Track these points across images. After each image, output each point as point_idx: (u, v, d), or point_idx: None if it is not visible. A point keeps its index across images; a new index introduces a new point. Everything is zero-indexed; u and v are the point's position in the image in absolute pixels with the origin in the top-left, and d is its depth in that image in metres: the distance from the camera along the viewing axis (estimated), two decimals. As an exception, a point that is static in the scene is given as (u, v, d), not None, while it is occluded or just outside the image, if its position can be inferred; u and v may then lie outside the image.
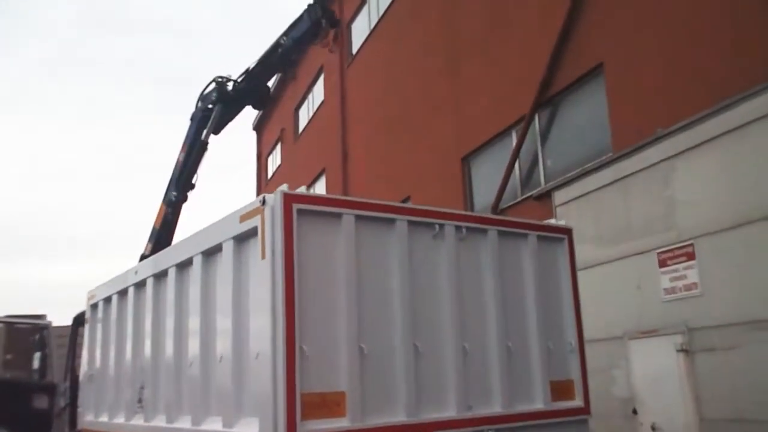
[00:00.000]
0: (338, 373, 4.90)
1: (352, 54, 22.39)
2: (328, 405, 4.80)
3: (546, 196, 11.40)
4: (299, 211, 4.91)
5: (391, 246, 5.42)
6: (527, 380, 6.09)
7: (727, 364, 7.54)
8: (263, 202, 4.93)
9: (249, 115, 28.27)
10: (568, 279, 6.65)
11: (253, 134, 36.14)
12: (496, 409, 5.74)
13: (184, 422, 6.02)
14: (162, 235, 12.47)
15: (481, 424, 5.56)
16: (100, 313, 8.70)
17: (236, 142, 43.55)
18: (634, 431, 8.71)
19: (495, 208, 12.98)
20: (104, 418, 8.04)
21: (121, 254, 65.45)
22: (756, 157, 7.42)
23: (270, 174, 33.22)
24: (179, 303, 6.41)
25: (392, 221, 5.46)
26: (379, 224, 5.39)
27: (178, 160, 13.06)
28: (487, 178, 14.23)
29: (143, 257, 11.38)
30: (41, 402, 11.32)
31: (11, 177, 70.31)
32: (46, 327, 12.47)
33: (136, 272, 7.60)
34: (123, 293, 7.88)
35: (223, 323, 5.55)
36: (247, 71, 13.15)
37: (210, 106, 12.98)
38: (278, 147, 31.99)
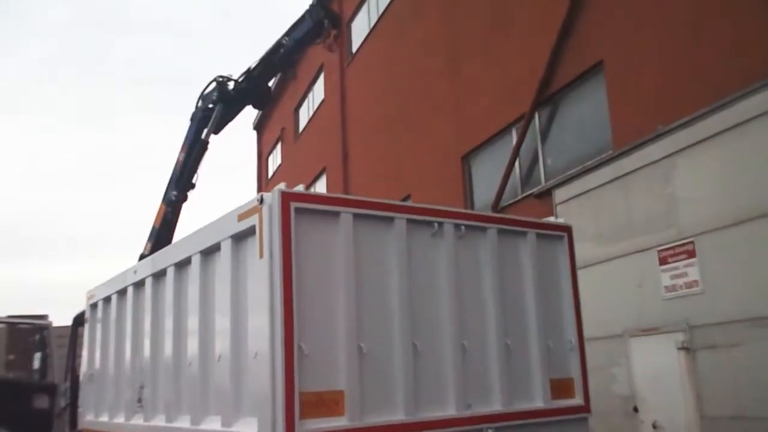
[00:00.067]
0: (337, 372, 4.88)
1: (352, 53, 22.38)
2: (326, 404, 4.78)
3: (546, 194, 11.38)
4: (297, 209, 4.89)
5: (389, 244, 5.40)
6: (527, 378, 6.07)
7: (729, 361, 7.52)
8: (261, 201, 4.91)
9: (249, 114, 28.34)
10: (567, 277, 6.63)
11: (254, 134, 36.17)
12: (496, 407, 5.72)
13: (184, 422, 6.01)
14: (162, 235, 12.45)
15: (481, 423, 5.53)
16: (99, 313, 8.69)
17: (237, 142, 43.70)
18: (634, 429, 8.70)
19: (495, 207, 12.96)
20: (104, 418, 8.03)
21: (121, 254, 65.66)
22: (756, 154, 7.40)
23: (270, 173, 33.22)
24: (178, 302, 6.40)
25: (391, 219, 5.43)
26: (377, 222, 5.37)
27: (178, 159, 13.04)
28: (487, 177, 14.21)
29: (142, 257, 11.37)
30: (42, 402, 11.32)
31: (11, 177, 70.46)
32: (47, 327, 12.47)
33: (135, 272, 7.59)
34: (122, 293, 7.87)
35: (222, 323, 5.54)
36: (248, 71, 13.13)
37: (211, 105, 12.96)
38: (279, 146, 31.99)
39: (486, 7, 14.41)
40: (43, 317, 14.60)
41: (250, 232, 5.09)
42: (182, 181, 12.78)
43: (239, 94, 13.12)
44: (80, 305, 9.79)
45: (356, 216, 5.21)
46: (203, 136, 12.89)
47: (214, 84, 13.04)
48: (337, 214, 5.13)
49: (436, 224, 5.70)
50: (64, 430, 10.76)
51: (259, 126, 34.91)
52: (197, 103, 13.23)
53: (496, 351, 5.84)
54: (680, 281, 8.19)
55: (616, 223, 9.35)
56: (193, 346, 6.00)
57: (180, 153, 13.07)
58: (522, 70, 12.76)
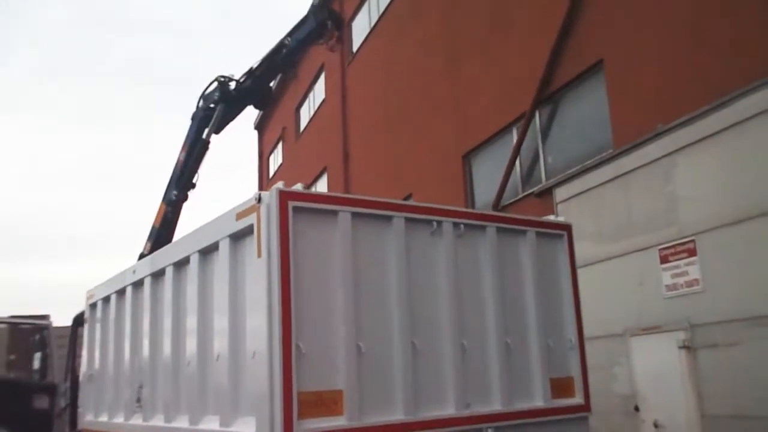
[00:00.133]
0: (335, 371, 4.87)
1: (352, 52, 22.38)
2: (325, 403, 4.77)
3: (547, 193, 11.37)
4: (295, 208, 4.87)
5: (388, 243, 5.38)
6: (527, 377, 6.05)
7: (729, 360, 7.50)
8: (259, 200, 4.89)
9: (250, 114, 28.33)
10: (567, 275, 6.61)
11: (255, 133, 36.16)
12: (496, 406, 5.70)
13: (182, 421, 6.00)
14: (161, 234, 12.43)
15: (480, 422, 5.52)
16: (99, 313, 8.69)
17: (238, 142, 43.70)
18: (635, 428, 8.68)
19: (496, 206, 12.94)
20: (104, 418, 8.03)
21: (121, 254, 65.56)
22: (756, 153, 7.38)
23: (272, 173, 33.22)
24: (177, 302, 6.38)
25: (389, 218, 5.42)
26: (376, 221, 5.35)
27: (178, 159, 13.02)
28: (487, 176, 14.19)
29: (142, 256, 11.36)
30: (42, 402, 11.31)
31: (11, 177, 70.49)
32: (47, 327, 12.47)
33: (134, 271, 7.58)
34: (121, 292, 7.86)
35: (220, 322, 5.52)
36: (249, 71, 13.12)
37: (212, 105, 12.93)
38: (280, 146, 31.99)
39: (486, 7, 14.39)
40: (45, 317, 14.58)
41: (248, 231, 5.08)
42: (183, 181, 12.76)
43: (241, 94, 13.09)
44: (80, 305, 9.79)
45: (354, 215, 5.20)
46: (204, 135, 12.86)
47: (215, 84, 13.02)
48: (335, 212, 5.11)
49: (435, 223, 5.68)
50: (64, 430, 10.75)
51: (260, 125, 34.91)
52: (198, 102, 13.21)
53: (496, 350, 5.83)
54: (681, 280, 8.18)
55: (616, 221, 9.33)
56: (191, 345, 5.99)
57: (181, 152, 13.05)
58: (522, 70, 12.74)
